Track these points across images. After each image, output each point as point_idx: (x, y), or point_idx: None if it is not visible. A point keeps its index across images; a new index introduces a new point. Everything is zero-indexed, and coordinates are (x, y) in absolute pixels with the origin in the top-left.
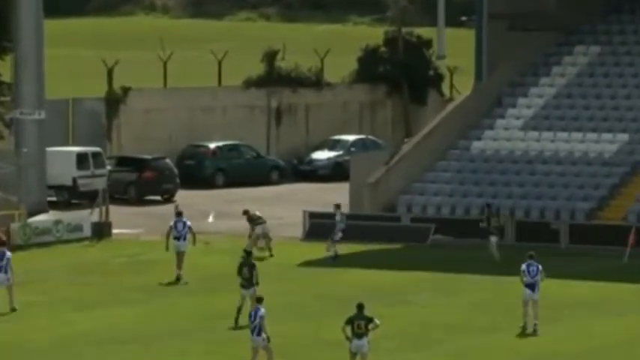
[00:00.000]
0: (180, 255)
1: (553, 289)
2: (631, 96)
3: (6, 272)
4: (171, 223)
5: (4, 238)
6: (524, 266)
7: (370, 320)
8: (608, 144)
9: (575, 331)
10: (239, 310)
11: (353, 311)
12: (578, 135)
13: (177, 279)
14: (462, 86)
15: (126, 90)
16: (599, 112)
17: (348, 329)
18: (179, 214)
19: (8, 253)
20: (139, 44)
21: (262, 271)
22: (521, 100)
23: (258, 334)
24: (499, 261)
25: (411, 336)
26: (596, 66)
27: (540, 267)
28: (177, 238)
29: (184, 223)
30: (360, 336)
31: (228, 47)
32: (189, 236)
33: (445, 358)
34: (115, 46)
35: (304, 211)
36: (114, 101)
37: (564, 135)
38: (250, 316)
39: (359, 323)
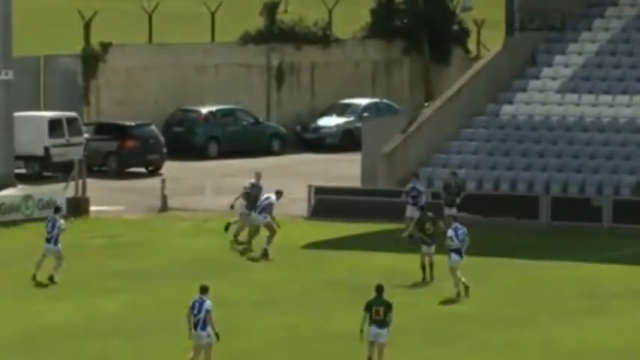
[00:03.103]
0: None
1: (595, 276)
2: None
3: None
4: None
5: None
6: (450, 231)
7: (390, 306)
8: None
9: (620, 323)
10: (424, 269)
11: (366, 298)
12: (624, 98)
13: (264, 254)
14: (490, 42)
15: (105, 46)
16: None
17: (367, 317)
18: (257, 175)
19: None
20: None
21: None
22: (558, 58)
23: (203, 329)
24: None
25: (433, 329)
26: None
27: (466, 230)
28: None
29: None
30: (379, 324)
31: None
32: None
33: (471, 354)
34: None
35: (309, 186)
36: (92, 59)
37: (608, 98)
38: (194, 307)
39: (377, 309)
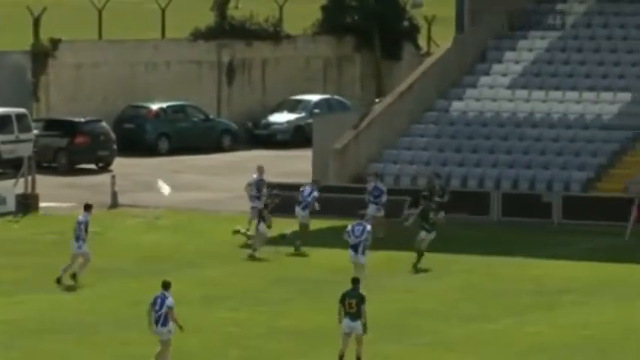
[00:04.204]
0: (301, 226)
1: (545, 272)
2: (634, 50)
3: None
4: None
5: None
6: (349, 227)
7: (362, 299)
8: (607, 105)
9: (571, 319)
10: (418, 253)
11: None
12: (574, 94)
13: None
14: (441, 39)
15: (55, 42)
16: (598, 68)
17: (342, 309)
18: (260, 169)
19: None
20: None
21: (211, 252)
22: (508, 55)
23: (163, 325)
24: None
25: (390, 325)
26: (594, 15)
27: (369, 228)
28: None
29: (311, 191)
30: (352, 316)
31: None
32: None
33: (430, 349)
34: None
35: None
36: (41, 55)
37: (558, 94)
38: (155, 303)
39: (350, 301)
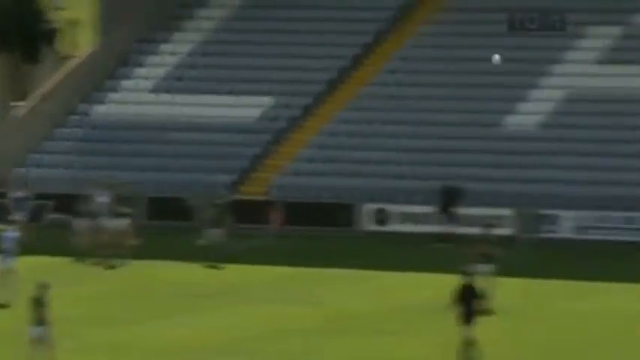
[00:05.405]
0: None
1: (191, 275)
2: (277, 55)
3: None
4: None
5: None
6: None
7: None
8: (249, 108)
9: (214, 321)
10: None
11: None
12: (217, 98)
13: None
14: (83, 42)
15: None
16: (241, 72)
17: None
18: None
19: None
20: None
21: None
22: (150, 59)
23: None
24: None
25: (68, 334)
26: (237, 20)
27: (16, 235)
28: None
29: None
30: (38, 322)
31: None
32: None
33: (72, 355)
34: None
35: None
36: None
37: (201, 98)
38: None
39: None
